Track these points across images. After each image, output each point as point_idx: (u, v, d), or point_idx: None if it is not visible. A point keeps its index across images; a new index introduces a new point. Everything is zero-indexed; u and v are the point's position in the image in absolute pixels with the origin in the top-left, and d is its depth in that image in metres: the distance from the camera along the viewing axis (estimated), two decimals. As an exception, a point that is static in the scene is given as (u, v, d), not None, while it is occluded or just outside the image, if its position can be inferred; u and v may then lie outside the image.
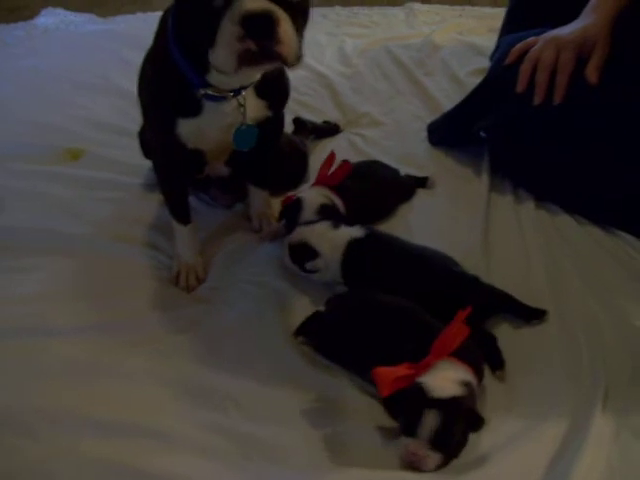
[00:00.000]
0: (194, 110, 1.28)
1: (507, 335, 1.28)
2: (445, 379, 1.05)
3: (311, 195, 1.54)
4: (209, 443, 1.08)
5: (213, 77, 1.22)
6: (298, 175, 1.84)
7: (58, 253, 1.53)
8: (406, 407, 1.04)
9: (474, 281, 1.32)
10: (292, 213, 1.52)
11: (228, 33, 1.03)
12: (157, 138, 1.41)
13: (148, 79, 1.34)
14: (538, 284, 1.40)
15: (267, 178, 1.66)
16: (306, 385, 1.20)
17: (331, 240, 1.40)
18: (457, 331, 1.09)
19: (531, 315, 1.31)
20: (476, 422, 1.04)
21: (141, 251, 1.56)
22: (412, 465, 1.03)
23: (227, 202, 1.73)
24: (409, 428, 1.03)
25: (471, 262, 1.39)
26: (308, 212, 1.50)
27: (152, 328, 1.34)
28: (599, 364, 1.20)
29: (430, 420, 1.01)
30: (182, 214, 1.49)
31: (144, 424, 1.11)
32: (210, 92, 1.25)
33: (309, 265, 1.40)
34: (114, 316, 1.36)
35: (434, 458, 1.02)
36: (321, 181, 1.59)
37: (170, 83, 1.26)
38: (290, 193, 1.61)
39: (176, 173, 1.46)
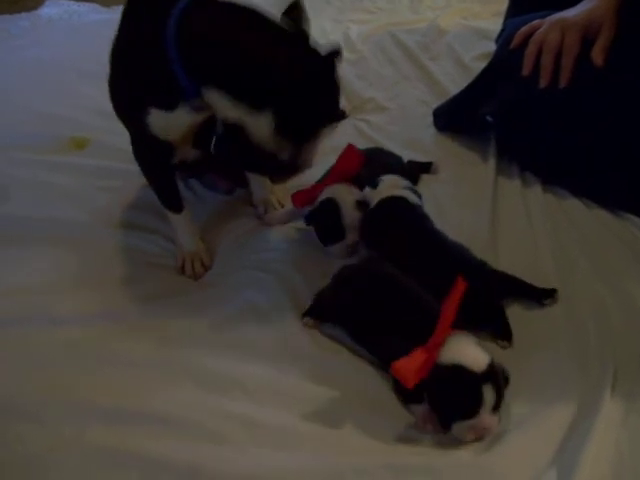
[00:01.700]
0: (170, 105, 1.24)
1: (514, 320, 1.27)
2: (471, 350, 1.06)
3: (340, 194, 1.46)
4: (216, 428, 1.08)
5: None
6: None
7: (62, 242, 1.53)
8: (452, 391, 1.03)
9: (482, 266, 1.31)
10: (330, 218, 1.45)
11: None
12: (129, 123, 1.38)
13: (126, 60, 1.28)
14: (545, 268, 1.39)
15: None
16: (314, 370, 1.20)
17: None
18: (457, 305, 1.08)
19: (542, 295, 1.30)
20: (507, 376, 1.08)
21: (146, 238, 1.56)
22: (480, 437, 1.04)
23: (226, 187, 1.72)
24: (465, 409, 1.03)
25: (478, 247, 1.37)
26: (348, 213, 1.43)
27: (157, 314, 1.34)
28: (607, 348, 1.20)
29: (488, 394, 1.01)
30: (173, 202, 1.48)
31: (149, 411, 1.11)
32: (198, 103, 1.22)
33: None
34: (119, 303, 1.36)
35: (496, 420, 1.04)
36: (340, 174, 1.52)
37: (152, 73, 1.22)
38: (299, 189, 1.56)
39: (157, 161, 1.44)
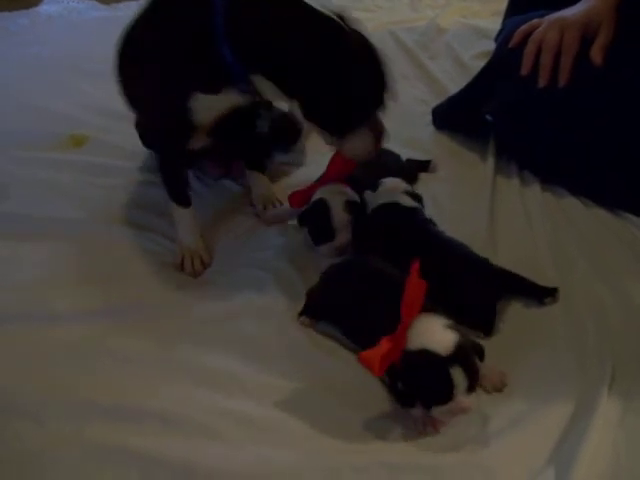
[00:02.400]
0: (215, 89, 1.28)
1: (512, 316, 1.28)
2: (437, 333, 1.04)
3: (331, 195, 1.46)
4: (214, 426, 1.08)
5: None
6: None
7: (61, 239, 1.53)
8: (421, 377, 1.02)
9: (485, 264, 1.31)
10: (320, 219, 1.44)
11: None
12: (162, 114, 1.38)
13: (161, 52, 1.29)
14: (544, 267, 1.39)
15: (262, 161, 1.68)
16: (311, 368, 1.20)
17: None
18: (418, 286, 1.07)
19: (543, 294, 1.31)
20: (481, 351, 1.06)
21: (144, 236, 1.55)
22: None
23: (218, 173, 1.74)
24: (438, 394, 1.01)
25: (477, 246, 1.38)
26: (338, 213, 1.43)
27: (155, 312, 1.34)
28: (605, 347, 1.20)
29: (459, 376, 1.00)
30: (182, 196, 1.49)
31: (148, 408, 1.11)
32: (244, 87, 1.26)
33: None
34: (117, 300, 1.36)
35: (472, 398, 1.03)
36: (334, 175, 1.51)
37: (197, 58, 1.24)
38: (294, 190, 1.56)
39: (177, 154, 1.46)
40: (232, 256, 1.50)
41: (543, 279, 1.33)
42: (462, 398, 1.01)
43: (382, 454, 1.03)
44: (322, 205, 1.44)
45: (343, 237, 1.42)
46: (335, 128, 1.25)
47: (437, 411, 1.03)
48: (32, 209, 1.64)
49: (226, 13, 1.18)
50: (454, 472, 1.01)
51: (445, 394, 1.00)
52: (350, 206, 1.44)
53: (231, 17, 1.19)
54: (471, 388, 1.02)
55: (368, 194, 1.49)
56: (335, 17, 1.19)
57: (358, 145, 1.26)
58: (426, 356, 1.01)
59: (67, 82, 2.41)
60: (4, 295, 1.37)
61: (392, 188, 1.47)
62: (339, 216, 1.42)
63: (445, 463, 1.02)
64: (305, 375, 1.19)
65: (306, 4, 1.18)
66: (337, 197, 1.45)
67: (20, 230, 1.57)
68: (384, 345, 1.03)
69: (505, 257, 1.40)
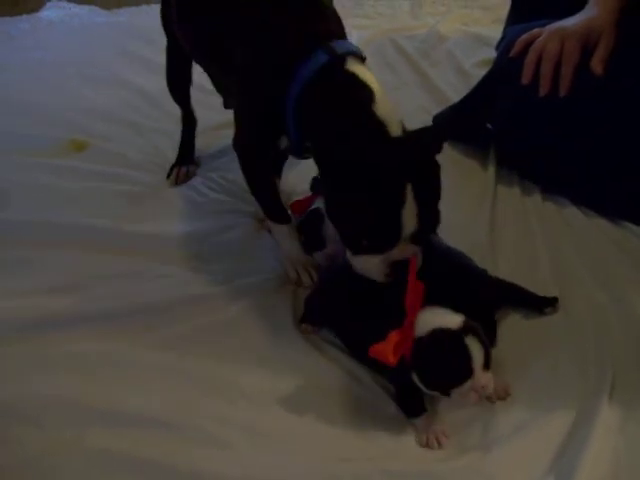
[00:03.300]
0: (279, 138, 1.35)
1: (514, 326, 1.28)
2: (442, 315, 1.07)
3: None
4: (216, 433, 1.08)
5: None
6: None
7: (63, 246, 1.53)
8: (438, 354, 1.03)
9: (483, 274, 1.31)
10: (314, 228, 1.46)
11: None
12: (260, 144, 1.42)
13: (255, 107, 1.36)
14: (545, 276, 1.40)
15: (281, 167, 1.69)
16: (313, 376, 1.20)
17: None
18: (418, 286, 1.10)
19: (542, 304, 1.31)
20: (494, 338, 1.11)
21: (145, 242, 1.56)
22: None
23: None
24: (457, 368, 1.02)
25: (478, 255, 1.38)
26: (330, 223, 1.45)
27: (157, 318, 1.33)
28: (606, 355, 1.20)
29: (474, 346, 1.02)
30: (280, 213, 1.48)
31: (150, 415, 1.11)
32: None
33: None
34: (118, 307, 1.36)
35: (490, 377, 1.04)
36: None
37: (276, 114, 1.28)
38: (297, 198, 1.58)
39: (265, 173, 1.48)
40: (233, 262, 1.50)
41: (543, 288, 1.34)
42: (480, 374, 1.02)
43: (384, 462, 1.03)
44: (316, 214, 1.46)
45: (334, 247, 1.43)
46: (345, 241, 1.22)
47: (457, 393, 1.03)
48: (33, 215, 1.64)
49: (297, 97, 1.22)
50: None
51: (464, 368, 1.01)
52: None
53: (298, 102, 1.23)
54: (486, 364, 1.03)
55: None
56: (398, 135, 1.17)
57: (367, 267, 1.18)
58: (439, 333, 1.03)
59: (68, 87, 2.42)
60: (5, 302, 1.37)
61: None
62: (331, 226, 1.43)
63: (447, 471, 1.02)
64: (306, 383, 1.19)
65: (372, 113, 1.15)
66: None
67: (20, 236, 1.57)
68: (394, 337, 1.05)
69: (505, 266, 1.41)
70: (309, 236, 1.48)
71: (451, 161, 1.82)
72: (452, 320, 1.04)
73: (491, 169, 1.76)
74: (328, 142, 1.18)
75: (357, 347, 1.21)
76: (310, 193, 1.54)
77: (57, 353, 1.24)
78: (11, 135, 2.05)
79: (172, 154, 1.91)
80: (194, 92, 1.92)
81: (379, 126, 1.14)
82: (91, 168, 1.86)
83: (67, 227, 1.60)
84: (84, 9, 3.25)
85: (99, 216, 1.64)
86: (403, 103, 2.19)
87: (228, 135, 1.47)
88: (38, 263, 1.48)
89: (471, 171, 1.79)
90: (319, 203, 1.48)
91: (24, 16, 3.18)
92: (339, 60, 1.20)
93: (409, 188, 1.10)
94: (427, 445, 1.06)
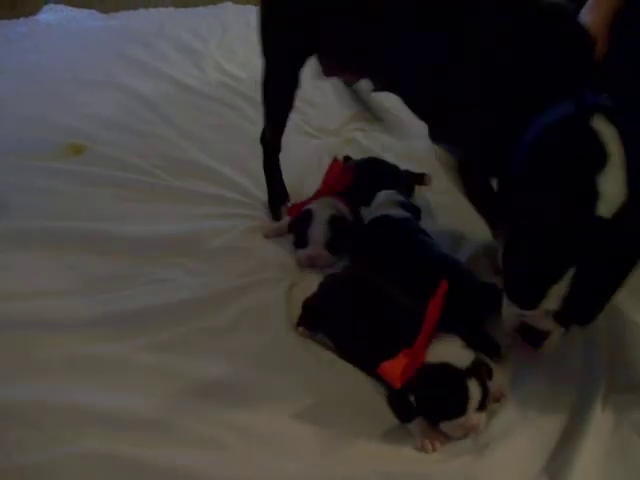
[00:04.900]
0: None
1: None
2: (455, 349, 1.08)
3: (320, 207, 1.52)
4: (214, 435, 1.08)
5: None
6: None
7: (60, 249, 1.54)
8: (438, 388, 1.05)
9: (469, 278, 1.32)
10: (301, 227, 1.50)
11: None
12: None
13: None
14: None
15: None
16: (309, 378, 1.21)
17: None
18: (439, 306, 1.10)
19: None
20: (490, 371, 1.10)
21: (143, 245, 1.57)
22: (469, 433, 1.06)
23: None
24: (453, 406, 1.04)
25: (478, 257, 1.39)
26: (317, 225, 1.48)
27: (155, 320, 1.34)
28: (599, 359, 1.21)
29: (474, 389, 1.03)
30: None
31: (147, 416, 1.11)
32: None
33: None
34: (116, 309, 1.37)
35: (483, 418, 1.06)
36: (327, 189, 1.58)
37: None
38: (294, 202, 1.60)
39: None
40: (230, 264, 1.51)
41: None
42: (473, 415, 1.04)
43: (380, 464, 1.04)
44: (306, 215, 1.50)
45: (315, 248, 1.47)
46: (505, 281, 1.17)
47: (446, 426, 1.05)
48: (30, 218, 1.65)
49: (530, 142, 1.15)
50: (449, 481, 1.02)
51: (459, 407, 1.03)
52: (333, 220, 1.49)
53: (531, 146, 1.16)
54: (482, 405, 1.05)
55: (364, 210, 1.54)
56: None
57: (505, 314, 1.16)
58: (446, 369, 1.04)
59: (65, 91, 2.43)
60: (3, 303, 1.37)
61: (381, 203, 1.51)
62: (316, 228, 1.48)
63: (441, 473, 1.02)
64: (303, 385, 1.19)
65: (592, 183, 1.07)
66: (323, 210, 1.50)
67: (18, 239, 1.58)
68: (404, 358, 1.06)
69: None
70: (295, 234, 1.53)
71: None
72: (462, 358, 1.05)
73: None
74: (533, 191, 1.11)
75: (355, 353, 1.23)
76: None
77: (55, 356, 1.24)
78: (9, 138, 2.06)
79: (168, 156, 1.92)
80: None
81: (589, 199, 1.06)
82: (89, 171, 1.87)
83: (65, 230, 1.60)
84: (82, 13, 3.27)
85: (97, 219, 1.65)
86: (400, 107, 2.19)
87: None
88: (36, 266, 1.49)
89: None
90: (311, 205, 1.52)
91: (22, 19, 3.20)
92: (585, 114, 1.13)
93: (572, 270, 1.02)
94: (422, 448, 1.07)
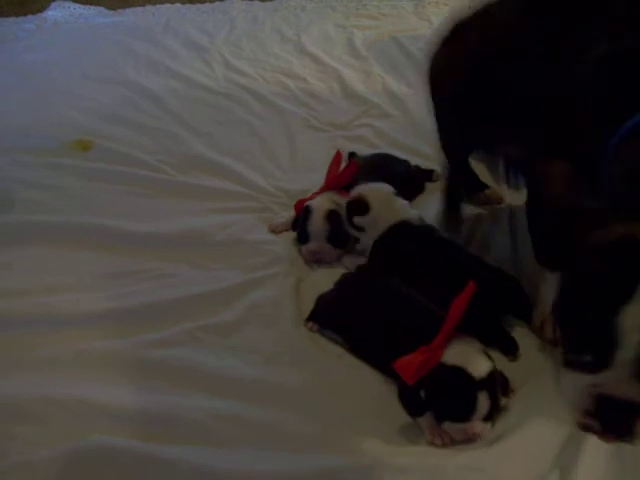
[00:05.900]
0: None
1: (516, 327, 1.29)
2: (474, 356, 1.06)
3: (318, 202, 1.52)
4: (217, 430, 1.08)
5: None
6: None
7: (66, 244, 1.54)
8: (447, 393, 1.05)
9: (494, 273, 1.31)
10: (301, 223, 1.51)
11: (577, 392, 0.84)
12: None
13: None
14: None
15: None
16: (315, 373, 1.20)
17: (388, 207, 1.45)
18: (464, 307, 1.08)
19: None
20: (506, 383, 1.11)
21: (149, 242, 1.57)
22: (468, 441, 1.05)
23: None
24: (458, 412, 1.04)
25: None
26: (315, 220, 1.48)
27: (159, 316, 1.34)
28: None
29: (483, 401, 1.02)
30: (552, 260, 1.26)
31: (153, 412, 1.11)
32: None
33: (357, 220, 1.44)
34: (120, 305, 1.37)
35: (487, 428, 1.05)
36: (331, 184, 1.58)
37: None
38: (301, 198, 1.60)
39: None
40: (236, 259, 1.50)
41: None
42: (477, 423, 1.03)
43: (389, 457, 1.03)
44: (307, 211, 1.51)
45: (316, 243, 1.48)
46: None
47: (448, 425, 1.05)
48: (37, 214, 1.65)
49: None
50: (456, 477, 1.01)
51: (464, 414, 1.03)
52: (330, 215, 1.49)
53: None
54: (489, 417, 1.04)
55: None
56: None
57: (569, 389, 0.87)
58: (460, 375, 1.03)
59: (73, 87, 2.44)
60: (8, 299, 1.38)
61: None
62: (316, 224, 1.48)
63: (449, 466, 1.02)
64: (308, 380, 1.19)
65: None
66: (322, 206, 1.51)
67: (25, 235, 1.58)
68: (420, 355, 1.06)
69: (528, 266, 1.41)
70: (299, 230, 1.52)
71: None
72: (479, 368, 1.04)
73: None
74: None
75: (369, 350, 1.22)
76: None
77: (62, 351, 1.24)
78: (17, 135, 2.06)
79: (175, 152, 1.92)
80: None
81: None
82: (95, 167, 1.87)
83: (71, 226, 1.60)
84: (89, 9, 3.27)
85: (104, 215, 1.65)
86: (407, 104, 2.20)
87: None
88: (42, 262, 1.49)
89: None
90: (312, 200, 1.53)
91: (30, 16, 3.21)
92: None
93: None
94: (432, 442, 1.07)
